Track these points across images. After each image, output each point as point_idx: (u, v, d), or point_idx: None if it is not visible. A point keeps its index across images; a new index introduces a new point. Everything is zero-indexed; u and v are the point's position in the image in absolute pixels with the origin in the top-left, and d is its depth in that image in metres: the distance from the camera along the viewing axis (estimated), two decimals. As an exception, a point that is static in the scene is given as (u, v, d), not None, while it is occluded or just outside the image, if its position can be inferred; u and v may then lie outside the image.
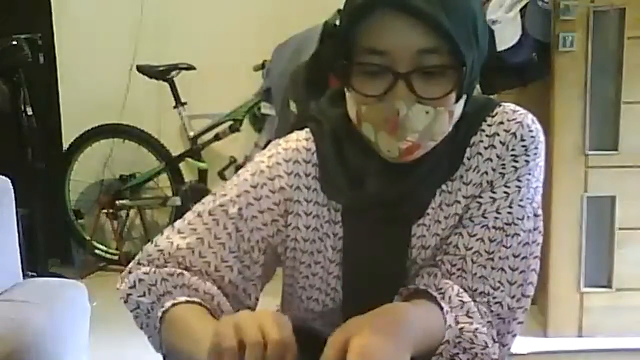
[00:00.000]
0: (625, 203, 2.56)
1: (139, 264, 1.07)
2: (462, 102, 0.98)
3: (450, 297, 0.97)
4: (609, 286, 2.61)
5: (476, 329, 0.97)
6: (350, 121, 1.02)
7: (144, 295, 1.03)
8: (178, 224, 1.09)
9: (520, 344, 2.53)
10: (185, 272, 1.03)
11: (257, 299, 1.09)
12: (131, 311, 1.06)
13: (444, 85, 0.93)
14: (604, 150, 2.55)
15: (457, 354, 0.95)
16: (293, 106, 3.07)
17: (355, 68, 0.95)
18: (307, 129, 1.10)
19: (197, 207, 1.09)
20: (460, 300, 0.98)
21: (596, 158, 2.55)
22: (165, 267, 1.04)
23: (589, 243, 2.59)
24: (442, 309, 0.95)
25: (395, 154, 0.96)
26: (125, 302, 1.06)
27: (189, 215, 1.09)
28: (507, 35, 2.59)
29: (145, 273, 1.04)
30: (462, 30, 0.92)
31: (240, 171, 1.10)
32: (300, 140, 1.09)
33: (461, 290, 0.99)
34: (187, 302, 0.99)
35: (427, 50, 0.91)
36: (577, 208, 2.57)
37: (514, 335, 1.04)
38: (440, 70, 0.92)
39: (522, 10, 2.58)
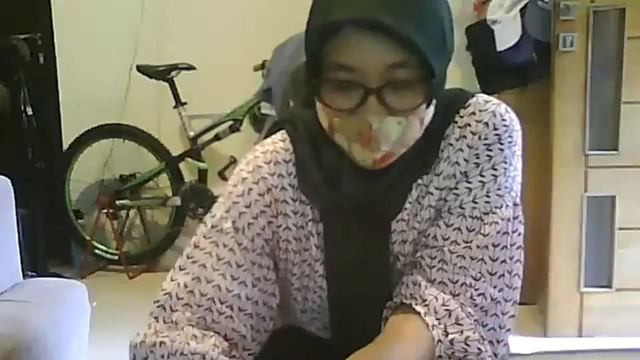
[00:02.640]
0: (625, 203, 2.56)
1: (151, 314, 1.01)
2: (432, 107, 0.98)
3: (435, 309, 0.97)
4: (609, 286, 2.61)
5: (467, 337, 0.96)
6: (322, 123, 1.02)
7: None
8: (179, 261, 1.04)
9: (520, 344, 2.53)
10: (165, 341, 0.97)
11: (278, 306, 1.07)
12: None
13: (414, 97, 0.94)
14: (604, 150, 2.55)
15: None
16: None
17: (325, 84, 0.95)
18: (283, 131, 1.10)
19: (192, 239, 1.06)
20: (447, 310, 0.97)
21: (596, 158, 2.55)
22: (175, 312, 0.99)
23: (589, 243, 2.59)
24: (427, 325, 0.95)
25: (369, 163, 0.97)
26: None
27: (186, 250, 1.05)
28: (507, 35, 2.59)
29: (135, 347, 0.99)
30: (432, 42, 0.92)
31: (223, 190, 1.09)
32: (276, 142, 1.09)
33: (446, 297, 0.98)
34: None
35: (396, 64, 0.91)
36: (577, 208, 2.57)
37: (508, 330, 1.02)
38: (411, 83, 0.92)
39: (522, 10, 2.58)
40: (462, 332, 0.96)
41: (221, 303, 0.99)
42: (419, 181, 1.03)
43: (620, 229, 2.58)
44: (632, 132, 2.53)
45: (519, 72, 2.67)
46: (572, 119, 2.53)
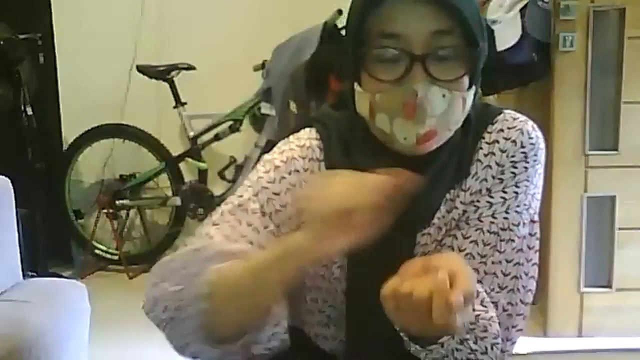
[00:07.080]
0: (625, 203, 2.56)
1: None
2: (473, 91, 0.98)
3: None
4: (609, 286, 2.61)
5: (491, 317, 0.96)
6: (356, 123, 1.01)
7: (176, 286, 0.95)
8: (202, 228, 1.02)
9: (520, 344, 2.52)
10: (213, 240, 0.97)
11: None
12: (160, 321, 0.98)
13: (458, 68, 0.95)
14: (604, 150, 2.55)
15: (467, 340, 0.94)
16: (293, 106, 3.07)
17: (369, 55, 0.95)
18: (314, 129, 1.09)
19: (212, 218, 1.03)
20: (476, 290, 0.97)
21: (596, 158, 2.55)
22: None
23: (589, 243, 2.59)
24: None
25: (413, 141, 0.95)
26: (151, 311, 0.98)
27: (203, 229, 1.02)
28: (507, 35, 2.59)
29: (168, 261, 0.97)
30: (473, 13, 0.94)
31: (249, 174, 1.07)
32: (312, 139, 1.08)
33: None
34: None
35: (441, 31, 0.92)
36: (577, 208, 2.57)
37: (513, 343, 1.04)
38: (455, 52, 0.94)
39: (522, 10, 2.58)
40: (487, 311, 0.97)
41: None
42: (447, 196, 1.03)
43: (620, 229, 2.58)
44: (632, 132, 2.53)
45: (519, 72, 2.67)
46: (572, 119, 2.53)
